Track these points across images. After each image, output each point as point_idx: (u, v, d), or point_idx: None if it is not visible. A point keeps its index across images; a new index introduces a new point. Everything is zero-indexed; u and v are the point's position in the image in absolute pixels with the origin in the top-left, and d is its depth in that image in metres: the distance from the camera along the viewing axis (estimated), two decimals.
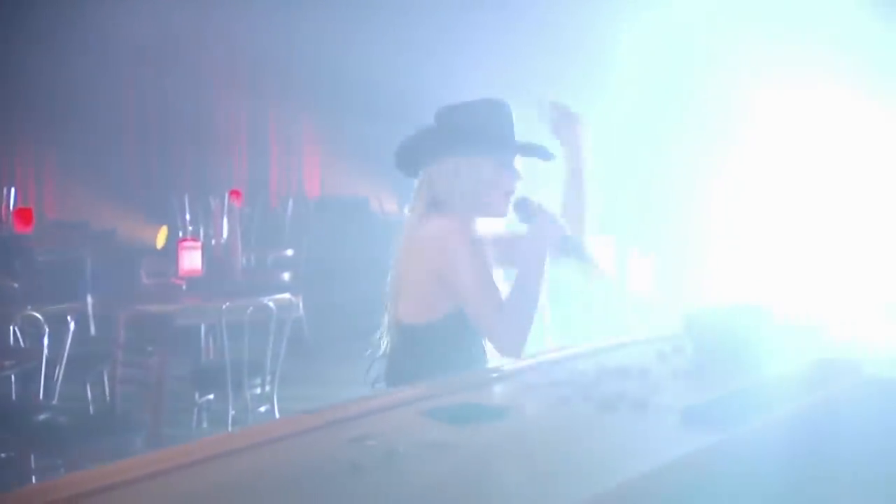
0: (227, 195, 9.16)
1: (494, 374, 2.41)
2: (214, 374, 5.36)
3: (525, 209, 2.54)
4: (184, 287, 5.85)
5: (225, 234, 6.73)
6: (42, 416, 4.76)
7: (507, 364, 2.48)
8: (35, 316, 5.08)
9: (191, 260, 5.88)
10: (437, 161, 2.59)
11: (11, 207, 9.91)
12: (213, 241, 6.77)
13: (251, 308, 5.18)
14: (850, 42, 6.10)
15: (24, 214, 9.48)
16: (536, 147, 2.60)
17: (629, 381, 2.30)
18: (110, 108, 11.85)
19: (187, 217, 8.58)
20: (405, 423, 1.98)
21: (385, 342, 2.61)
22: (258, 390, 5.29)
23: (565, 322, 6.03)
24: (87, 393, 5.41)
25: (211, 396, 5.47)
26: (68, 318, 5.05)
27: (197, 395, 5.52)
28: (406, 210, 2.65)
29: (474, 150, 2.56)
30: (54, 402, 4.95)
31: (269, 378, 5.31)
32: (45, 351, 4.99)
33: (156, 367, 4.51)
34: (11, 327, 5.08)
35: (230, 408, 5.30)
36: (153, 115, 12.31)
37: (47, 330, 5.06)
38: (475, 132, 2.56)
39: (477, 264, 2.46)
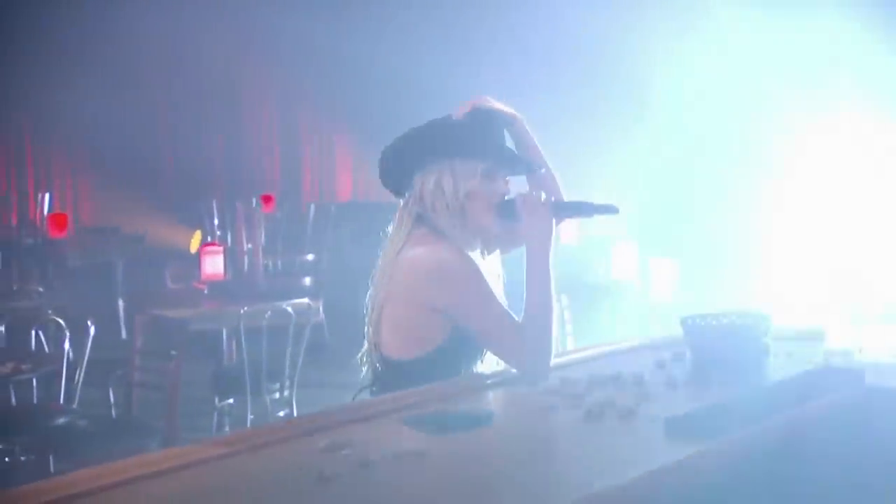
0: (256, 199, 9.23)
1: (485, 382, 2.37)
2: (233, 379, 5.37)
3: (507, 208, 2.49)
4: (205, 291, 5.86)
5: (247, 239, 6.75)
6: (62, 420, 4.80)
7: (501, 370, 2.45)
8: (57, 321, 5.14)
9: (213, 264, 5.90)
10: (422, 169, 2.49)
11: (46, 213, 10.02)
12: (237, 246, 6.78)
13: (269, 312, 5.18)
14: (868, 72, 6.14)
15: (58, 220, 9.58)
16: (523, 160, 2.55)
17: (622, 389, 2.26)
18: (144, 113, 11.94)
19: (216, 222, 8.61)
20: (385, 432, 1.96)
21: (367, 371, 2.53)
22: (277, 395, 5.28)
23: (590, 326, 6.02)
24: (109, 397, 5.43)
25: (230, 401, 5.47)
26: (88, 322, 5.07)
27: (217, 400, 5.53)
28: (390, 227, 2.55)
29: (462, 152, 2.47)
30: (74, 405, 4.99)
31: (287, 382, 5.31)
32: (68, 355, 5.05)
33: (172, 372, 4.52)
34: (34, 331, 5.13)
35: (249, 412, 5.31)
36: (186, 119, 12.37)
37: (68, 334, 5.11)
38: (462, 132, 2.49)
39: (481, 291, 2.38)
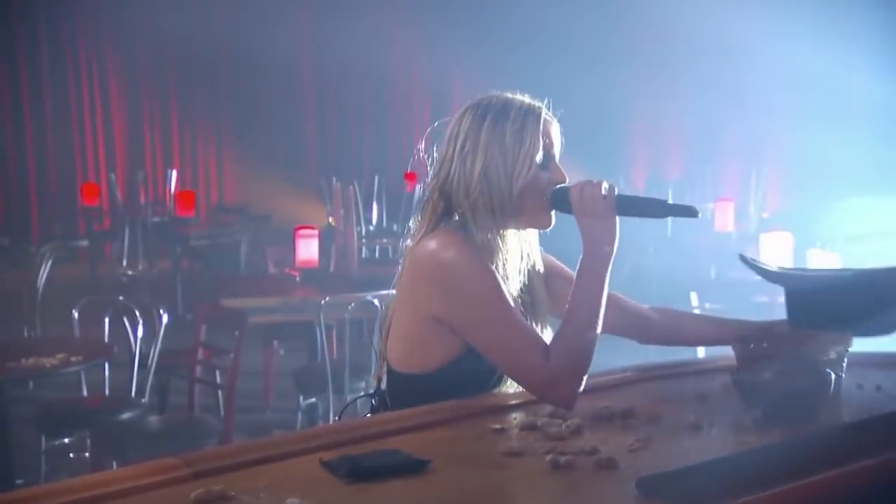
0: (376, 178, 9.07)
1: (461, 411, 2.03)
2: (316, 376, 5.19)
3: (560, 200, 2.12)
4: (298, 279, 5.69)
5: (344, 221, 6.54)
6: (127, 415, 4.74)
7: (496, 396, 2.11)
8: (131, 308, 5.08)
9: (307, 249, 5.71)
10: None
11: (173, 190, 10.20)
12: (337, 229, 6.60)
13: (352, 304, 4.96)
14: None
15: (186, 198, 9.71)
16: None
17: (626, 429, 1.89)
18: (276, 88, 12.11)
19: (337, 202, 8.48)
20: (288, 476, 1.66)
21: (375, 380, 2.28)
22: (362, 393, 5.05)
23: None
24: (175, 392, 5.37)
25: (313, 400, 5.29)
26: (160, 311, 4.99)
27: (301, 398, 5.37)
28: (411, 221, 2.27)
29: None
30: (145, 399, 4.92)
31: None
32: (140, 345, 4.99)
33: (228, 369, 4.37)
34: (106, 319, 5.09)
35: (331, 413, 5.11)
36: (328, 94, 12.46)
37: (141, 321, 5.05)
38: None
39: (491, 303, 2.04)
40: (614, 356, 2.42)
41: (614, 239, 2.07)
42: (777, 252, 6.30)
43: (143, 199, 10.61)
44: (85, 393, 5.10)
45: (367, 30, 12.28)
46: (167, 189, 10.56)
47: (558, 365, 2.00)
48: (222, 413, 4.98)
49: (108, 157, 12.09)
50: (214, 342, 5.11)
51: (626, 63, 11.56)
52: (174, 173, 10.57)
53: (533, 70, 11.93)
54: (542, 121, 2.14)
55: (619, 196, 2.08)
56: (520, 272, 2.22)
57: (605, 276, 2.05)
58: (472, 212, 2.12)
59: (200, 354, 4.73)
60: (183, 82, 12.30)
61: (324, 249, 6.36)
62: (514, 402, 2.08)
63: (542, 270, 2.30)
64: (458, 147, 2.14)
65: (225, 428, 4.43)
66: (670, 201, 2.10)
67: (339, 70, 12.46)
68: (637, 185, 12.29)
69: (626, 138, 12.98)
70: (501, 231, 2.16)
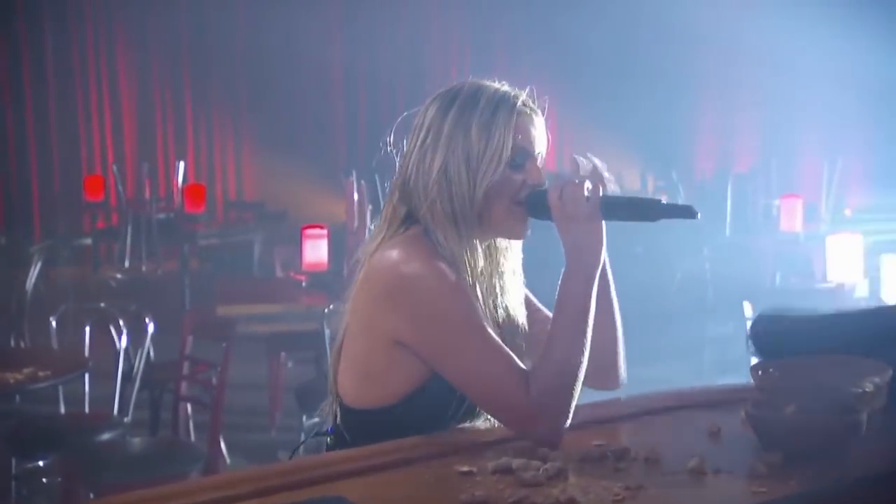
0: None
1: (426, 451, 1.88)
2: (318, 392, 5.06)
3: (537, 204, 1.99)
4: (304, 284, 5.58)
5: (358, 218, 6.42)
6: (106, 435, 4.66)
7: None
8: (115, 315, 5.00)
9: (315, 251, 5.60)
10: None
11: (181, 183, 10.16)
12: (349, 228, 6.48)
13: None
14: None
15: (195, 192, 9.67)
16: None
17: (613, 476, 1.74)
18: (301, 74, 12.07)
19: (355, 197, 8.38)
20: None
21: (327, 416, 2.13)
22: (314, 432, 4.92)
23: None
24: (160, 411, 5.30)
25: (316, 419, 5.17)
26: (146, 319, 4.91)
27: (304, 417, 5.26)
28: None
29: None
30: (128, 418, 4.84)
31: None
32: (125, 357, 4.92)
33: (215, 386, 4.27)
34: (87, 327, 5.02)
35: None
36: (358, 83, 12.42)
37: (125, 331, 4.97)
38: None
39: (460, 323, 1.91)
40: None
41: (601, 246, 1.94)
42: (845, 257, 6.10)
43: (148, 194, 10.59)
44: (63, 409, 5.04)
45: (403, 18, 12.25)
46: (175, 183, 10.54)
47: (540, 396, 1.86)
48: None
49: (115, 147, 12.09)
50: (209, 355, 5.02)
51: (692, 47, 11.43)
52: (182, 165, 10.53)
53: (587, 57, 11.88)
54: (515, 112, 2.00)
55: (605, 197, 1.94)
56: (497, 290, 2.08)
57: (591, 290, 1.92)
58: (430, 215, 2.00)
59: (187, 369, 4.62)
60: (198, 67, 12.27)
61: (339, 251, 6.26)
62: (490, 439, 1.94)
63: (523, 294, 2.16)
64: (419, 140, 2.02)
65: (210, 452, 4.32)
66: (665, 201, 1.95)
67: (371, 59, 12.40)
68: (698, 177, 12.14)
69: (692, 128, 12.81)
70: (470, 240, 2.02)
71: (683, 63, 11.84)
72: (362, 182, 7.19)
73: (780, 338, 2.11)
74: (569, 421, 1.88)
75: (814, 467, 1.73)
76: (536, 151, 2.02)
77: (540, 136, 2.03)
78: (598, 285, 1.95)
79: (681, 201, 2.11)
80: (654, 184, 11.80)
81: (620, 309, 2.13)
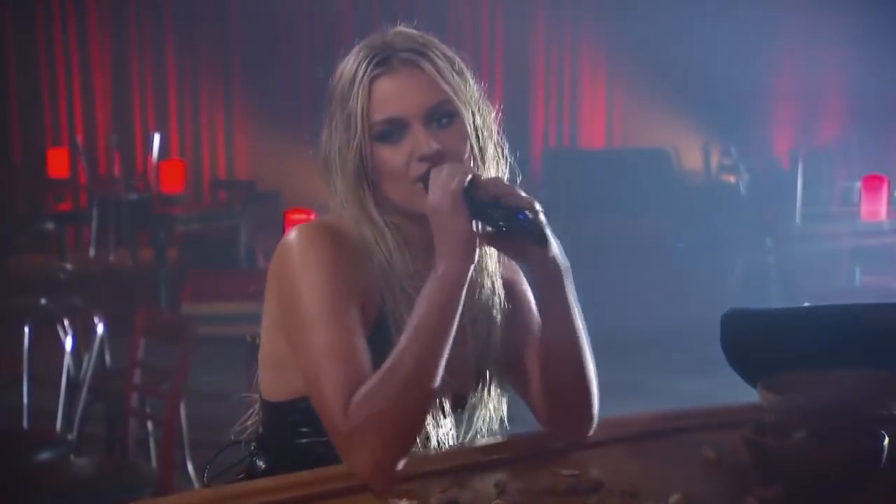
0: None
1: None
2: None
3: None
4: None
5: None
6: (45, 455, 4.66)
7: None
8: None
9: None
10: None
11: (156, 159, 10.16)
12: None
13: None
14: None
15: (172, 169, 9.68)
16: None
17: None
18: (304, 30, 12.06)
19: None
20: None
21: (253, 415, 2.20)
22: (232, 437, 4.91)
23: None
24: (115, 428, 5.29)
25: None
26: (95, 319, 4.90)
27: None
28: None
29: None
30: (73, 435, 4.84)
31: None
32: (65, 362, 4.92)
33: (167, 396, 4.25)
34: (26, 328, 5.02)
35: None
36: None
37: (71, 333, 4.98)
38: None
39: (314, 298, 1.91)
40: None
41: (463, 251, 1.87)
42: None
43: (117, 171, 10.60)
44: None
45: None
46: (149, 159, 10.54)
47: (355, 420, 1.82)
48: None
49: (85, 117, 12.10)
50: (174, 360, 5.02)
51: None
52: (157, 138, 10.53)
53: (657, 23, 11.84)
54: (368, 74, 1.98)
55: (468, 191, 1.87)
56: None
57: (446, 300, 1.86)
58: (336, 205, 2.05)
59: (140, 377, 4.60)
60: (182, 23, 12.27)
61: None
62: (438, 467, 1.91)
63: (501, 290, 2.11)
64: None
65: (161, 475, 4.30)
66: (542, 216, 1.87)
67: (384, 18, 12.33)
68: (774, 154, 12.07)
69: (764, 94, 12.73)
70: (381, 216, 2.01)
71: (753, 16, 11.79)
72: None
73: (751, 339, 2.09)
74: (398, 462, 1.84)
75: None
76: (406, 115, 1.96)
77: (412, 95, 1.97)
78: (555, 307, 1.97)
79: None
80: (718, 160, 11.74)
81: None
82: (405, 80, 1.97)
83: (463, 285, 1.87)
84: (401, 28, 2.04)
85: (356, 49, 2.02)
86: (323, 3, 12.12)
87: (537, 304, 2.06)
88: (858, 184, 8.16)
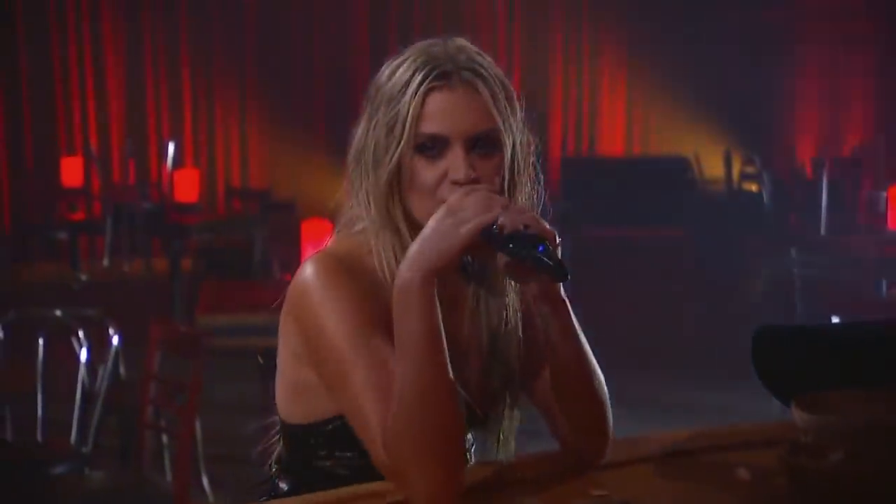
0: None
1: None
2: None
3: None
4: None
5: None
6: (59, 469, 4.65)
7: None
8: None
9: (315, 248, 5.54)
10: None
11: (171, 167, 10.17)
12: None
13: None
14: None
15: (186, 178, 9.69)
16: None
17: None
18: (321, 37, 12.07)
19: None
20: None
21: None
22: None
23: None
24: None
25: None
26: (110, 330, 4.89)
27: None
28: None
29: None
30: (88, 448, 4.83)
31: None
32: (80, 374, 4.91)
33: (183, 412, 4.23)
34: (40, 340, 5.01)
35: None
36: (382, 53, 12.38)
37: (86, 344, 4.97)
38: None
39: (347, 335, 1.92)
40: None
41: (452, 248, 1.85)
42: None
43: (132, 179, 10.62)
44: (9, 436, 5.06)
45: None
46: (164, 167, 10.55)
47: (395, 451, 1.85)
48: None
49: (99, 125, 12.11)
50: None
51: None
52: (172, 146, 10.54)
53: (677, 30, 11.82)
54: (425, 85, 1.94)
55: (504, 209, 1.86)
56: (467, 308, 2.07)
57: (431, 309, 1.86)
58: (357, 205, 2.05)
59: (155, 390, 4.59)
60: (198, 31, 12.28)
61: None
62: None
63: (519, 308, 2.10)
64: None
65: (176, 489, 4.29)
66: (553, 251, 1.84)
67: (402, 25, 12.34)
68: (798, 162, 12.03)
69: (789, 99, 12.72)
70: (406, 226, 2.00)
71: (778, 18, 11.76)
72: None
73: (784, 357, 2.08)
74: (452, 481, 1.86)
75: None
76: (452, 134, 1.95)
77: (464, 116, 1.95)
78: (556, 324, 1.95)
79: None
80: (740, 168, 11.69)
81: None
82: (460, 100, 1.95)
83: (422, 292, 1.84)
84: (463, 42, 2.01)
85: (411, 53, 1.98)
86: (338, 12, 12.13)
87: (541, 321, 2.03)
88: (885, 193, 8.13)
